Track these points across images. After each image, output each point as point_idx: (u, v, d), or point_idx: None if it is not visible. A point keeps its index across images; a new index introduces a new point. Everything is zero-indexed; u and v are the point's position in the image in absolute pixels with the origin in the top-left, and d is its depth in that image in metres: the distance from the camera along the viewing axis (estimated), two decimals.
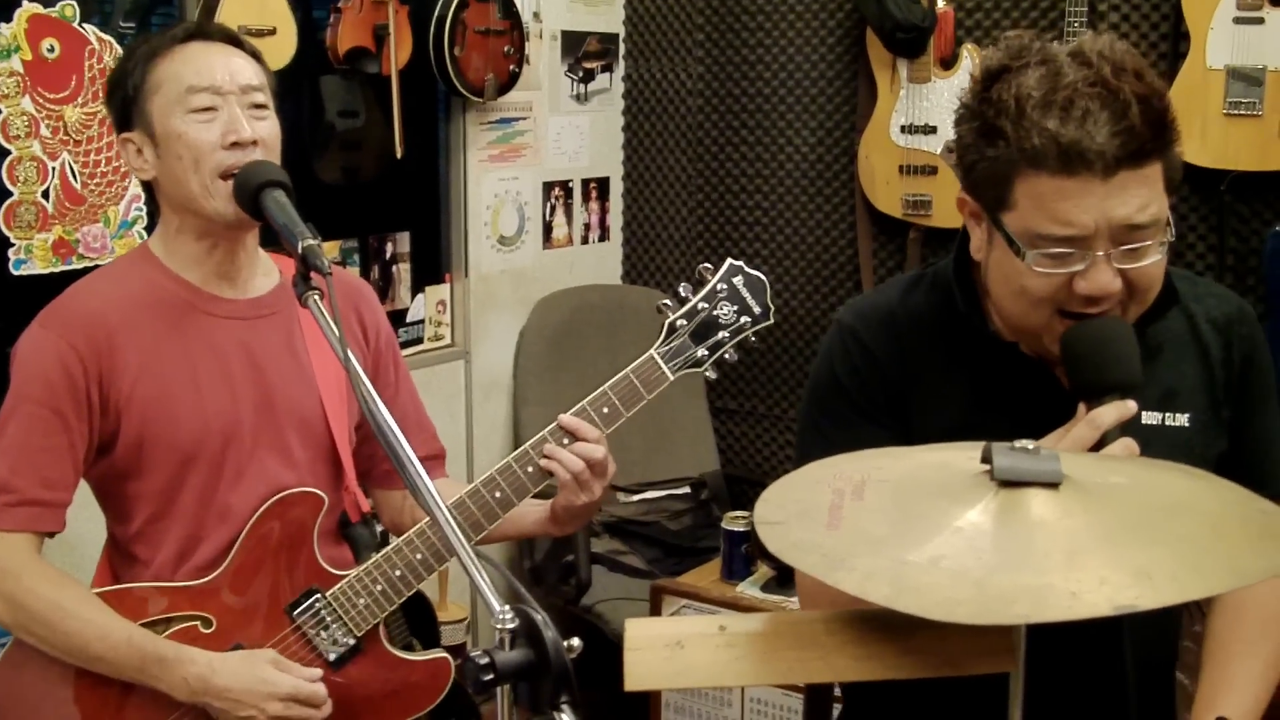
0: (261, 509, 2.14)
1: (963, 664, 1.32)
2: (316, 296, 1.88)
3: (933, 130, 4.08)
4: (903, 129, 4.12)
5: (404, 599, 2.17)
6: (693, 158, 4.63)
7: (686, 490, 4.47)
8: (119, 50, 3.23)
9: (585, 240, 4.66)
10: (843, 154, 4.34)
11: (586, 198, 4.63)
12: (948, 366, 1.88)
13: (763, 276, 2.26)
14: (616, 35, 4.66)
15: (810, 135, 4.40)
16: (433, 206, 4.24)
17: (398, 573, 2.14)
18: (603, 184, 4.69)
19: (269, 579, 2.15)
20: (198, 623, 2.10)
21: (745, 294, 2.24)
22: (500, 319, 4.37)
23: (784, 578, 3.13)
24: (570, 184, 4.55)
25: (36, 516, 2.06)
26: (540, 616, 1.44)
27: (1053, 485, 1.31)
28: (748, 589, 3.15)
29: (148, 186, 2.19)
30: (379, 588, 2.15)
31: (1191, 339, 1.91)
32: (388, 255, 4.06)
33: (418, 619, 2.37)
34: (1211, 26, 3.62)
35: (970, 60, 4.01)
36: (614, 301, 4.64)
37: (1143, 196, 1.64)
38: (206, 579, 2.12)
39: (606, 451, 2.16)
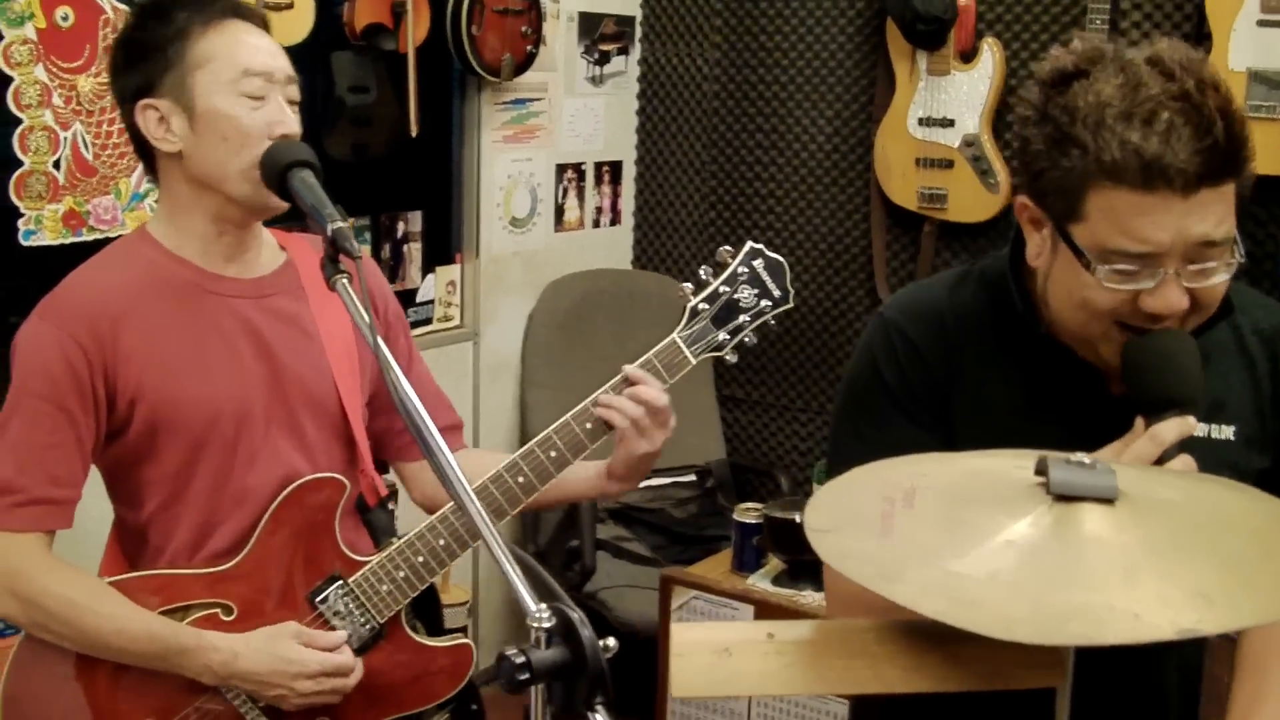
0: (284, 494, 2.10)
1: (1012, 677, 1.31)
2: (345, 280, 1.85)
3: (950, 124, 4.05)
4: (920, 121, 4.09)
5: (427, 585, 2.15)
6: (707, 143, 4.60)
7: (692, 478, 4.45)
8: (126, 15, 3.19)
9: (596, 224, 4.63)
10: (858, 144, 4.32)
11: (599, 181, 4.60)
12: (996, 367, 1.83)
13: (782, 260, 2.24)
14: (633, 18, 4.62)
15: (826, 125, 4.38)
16: (445, 186, 4.21)
17: (420, 559, 2.12)
18: (615, 167, 4.66)
19: (291, 565, 2.12)
20: (219, 610, 2.07)
21: (765, 277, 2.22)
22: (510, 301, 4.35)
23: (796, 571, 3.12)
24: (583, 167, 4.52)
25: (45, 515, 2.02)
26: (577, 615, 1.43)
27: (1108, 501, 1.29)
28: (759, 581, 3.14)
29: (147, 157, 2.11)
30: (401, 574, 2.12)
31: (1238, 350, 1.86)
32: (399, 234, 4.04)
33: (421, 601, 2.35)
34: (1234, 28, 3.60)
35: (991, 54, 3.99)
36: (624, 286, 4.62)
37: (1218, 214, 1.59)
38: (227, 565, 2.09)
39: (667, 399, 2.14)
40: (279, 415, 2.12)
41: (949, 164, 4.07)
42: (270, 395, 2.11)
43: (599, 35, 4.48)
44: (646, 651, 3.75)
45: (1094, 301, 1.65)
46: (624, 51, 4.60)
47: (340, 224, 1.87)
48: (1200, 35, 3.72)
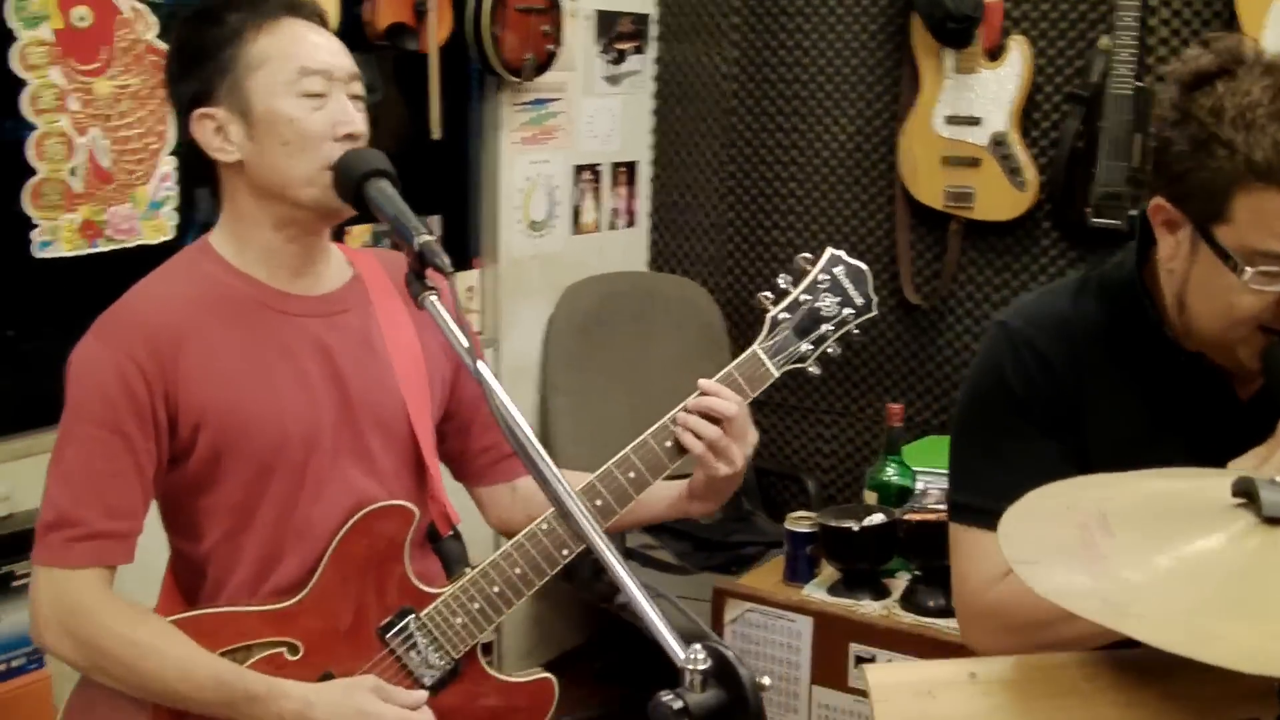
0: (349, 524, 1.99)
1: (1222, 709, 1.25)
2: (434, 297, 1.77)
3: (977, 122, 4.01)
4: (947, 120, 4.04)
5: (503, 617, 2.04)
6: (725, 143, 4.54)
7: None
8: (153, 21, 3.09)
9: (613, 226, 4.56)
10: (881, 143, 4.27)
11: (615, 182, 4.53)
12: (1124, 377, 1.81)
13: (864, 266, 2.17)
14: (648, 16, 4.55)
15: (849, 124, 4.32)
16: (462, 190, 4.12)
17: (496, 589, 2.01)
18: (631, 168, 4.59)
19: (358, 599, 2.00)
20: (284, 649, 1.96)
21: (847, 284, 2.15)
22: (529, 306, 4.27)
23: (851, 580, 3.06)
24: (599, 168, 4.45)
25: (105, 550, 1.90)
26: (730, 653, 1.36)
27: None
28: (814, 592, 3.07)
29: (209, 169, 2.01)
30: (476, 606, 2.01)
31: None
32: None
33: None
34: (1266, 24, 3.57)
35: (1019, 51, 3.94)
36: (643, 289, 4.55)
37: None
38: (291, 601, 1.97)
39: (744, 411, 2.05)
40: (348, 440, 2.02)
41: (976, 162, 4.02)
42: (339, 419, 2.01)
43: (616, 34, 4.41)
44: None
45: (1238, 304, 1.63)
46: (640, 50, 4.53)
47: (428, 237, 1.78)
48: (1232, 29, 3.68)
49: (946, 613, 2.93)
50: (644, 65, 4.58)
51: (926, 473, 3.27)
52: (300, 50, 1.94)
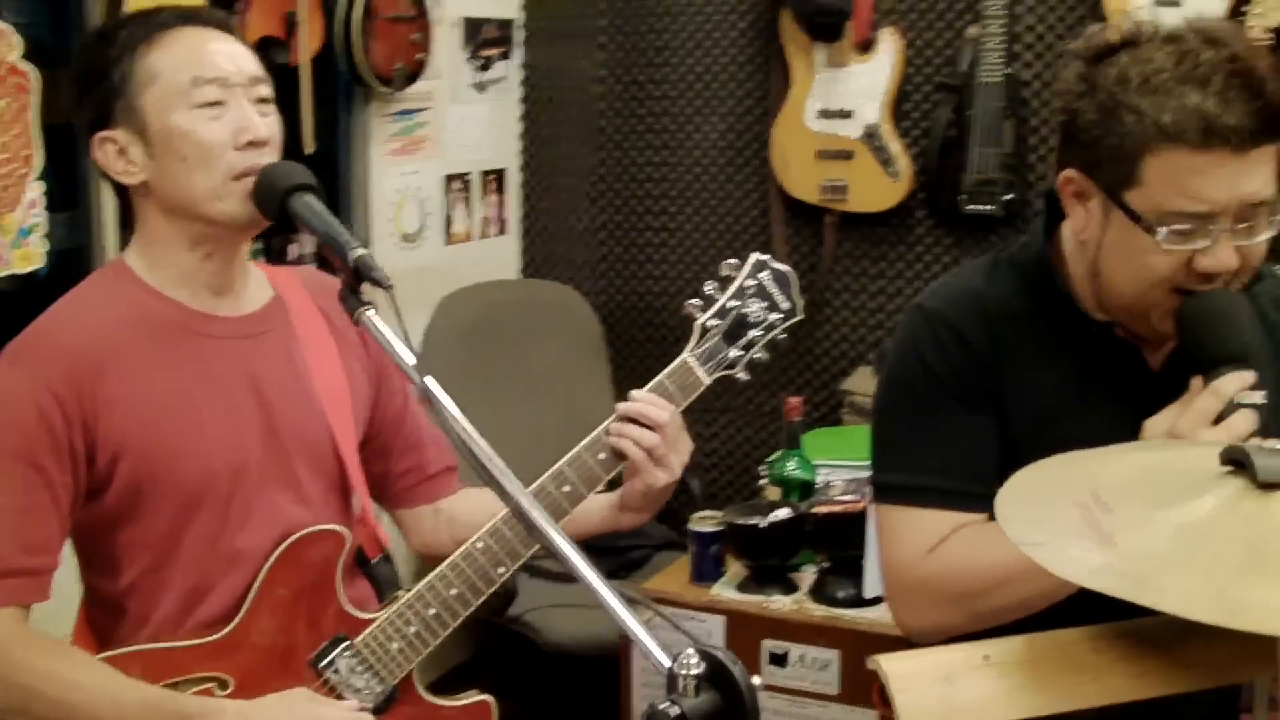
0: (278, 552, 1.92)
1: (1230, 672, 1.27)
2: (371, 312, 1.73)
3: (849, 115, 4.04)
4: (819, 114, 4.06)
5: (440, 640, 1.98)
6: (595, 146, 4.51)
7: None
8: (16, 41, 2.96)
9: (485, 235, 4.50)
10: (754, 140, 4.27)
11: (485, 190, 4.48)
12: (1039, 351, 1.86)
13: (788, 270, 2.17)
14: (513, 21, 4.51)
15: (720, 122, 4.32)
16: (334, 203, 4.02)
17: (432, 611, 1.95)
18: (500, 176, 4.54)
19: (290, 629, 1.93)
20: (213, 684, 1.87)
21: (773, 289, 2.15)
22: (405, 319, 4.18)
23: (761, 576, 3.06)
24: (469, 177, 4.39)
25: (21, 588, 1.81)
26: (722, 655, 1.35)
27: None
28: (723, 590, 3.06)
29: (122, 191, 1.93)
30: (412, 629, 1.95)
31: (1259, 319, 1.89)
32: (293, 256, 3.85)
33: None
34: (1129, 11, 3.65)
35: (890, 44, 3.98)
36: (518, 298, 4.51)
37: (1266, 174, 1.66)
38: (220, 634, 1.89)
39: (677, 419, 2.02)
40: (274, 467, 1.94)
41: (849, 155, 4.05)
42: (265, 446, 1.94)
43: (481, 40, 4.35)
44: (588, 673, 3.65)
45: (1151, 265, 1.69)
46: (506, 56, 4.48)
47: (363, 251, 1.74)
48: (1096, 18, 3.77)
49: (858, 603, 2.95)
50: (510, 71, 4.52)
51: (822, 465, 3.27)
52: (192, 60, 1.87)
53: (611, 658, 3.50)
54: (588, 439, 2.02)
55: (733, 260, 2.15)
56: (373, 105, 3.94)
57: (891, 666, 1.21)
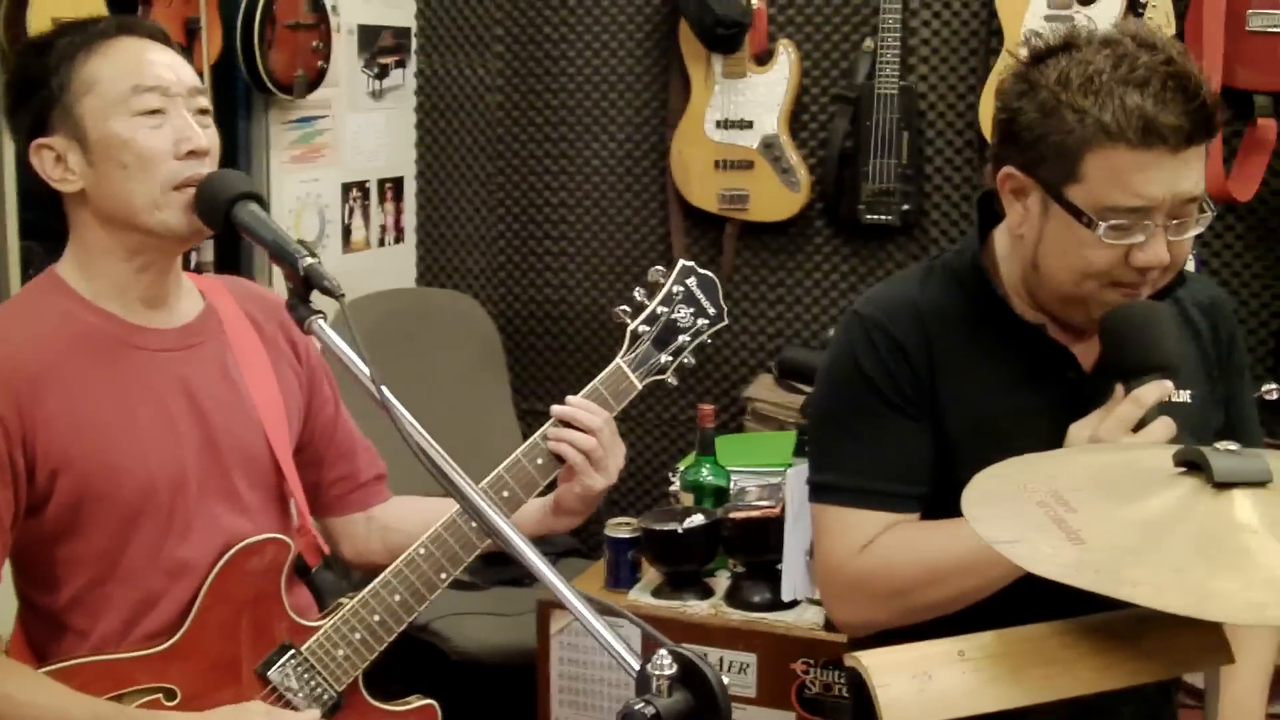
0: (223, 561, 1.92)
1: (1190, 661, 1.33)
2: (321, 321, 1.74)
3: (748, 125, 4.09)
4: (718, 124, 4.12)
5: (385, 646, 2.00)
6: (491, 155, 4.51)
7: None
8: None
9: (383, 243, 4.49)
10: (652, 149, 4.31)
11: (383, 198, 4.46)
12: (975, 354, 1.91)
13: (713, 276, 2.23)
14: (409, 29, 4.49)
15: (618, 131, 4.35)
16: None
17: (376, 618, 1.97)
18: (397, 184, 4.52)
19: (236, 637, 1.93)
20: (159, 695, 1.86)
21: (699, 295, 2.20)
22: None
23: (677, 581, 3.08)
24: (367, 185, 4.37)
25: None
26: (694, 656, 1.38)
27: (1262, 484, 1.32)
28: (640, 596, 3.08)
29: (54, 200, 1.91)
30: (358, 636, 1.97)
31: (1184, 321, 1.99)
32: (192, 265, 3.80)
33: None
34: (1024, 23, 3.75)
35: (787, 55, 4.04)
36: (417, 306, 4.49)
37: (1199, 171, 1.74)
38: (165, 645, 1.88)
39: (611, 424, 2.06)
40: (213, 478, 1.95)
41: (749, 165, 4.11)
42: (204, 458, 1.93)
43: (378, 48, 4.34)
44: (499, 681, 3.65)
45: (1090, 258, 1.76)
46: (402, 64, 4.47)
47: (312, 259, 1.75)
48: (990, 32, 3.87)
49: (774, 606, 2.99)
50: (406, 79, 4.51)
51: (733, 471, 3.31)
52: (132, 68, 1.86)
53: (521, 666, 3.51)
54: (525, 445, 2.05)
55: (659, 267, 2.19)
56: (272, 113, 3.91)
57: (871, 660, 1.25)
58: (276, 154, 3.96)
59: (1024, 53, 1.81)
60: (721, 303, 2.21)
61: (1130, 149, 1.69)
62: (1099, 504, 1.32)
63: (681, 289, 2.18)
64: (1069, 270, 1.79)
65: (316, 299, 1.77)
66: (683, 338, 2.17)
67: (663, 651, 1.38)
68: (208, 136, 1.89)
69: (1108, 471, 1.41)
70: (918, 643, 1.31)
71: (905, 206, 3.94)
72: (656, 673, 1.38)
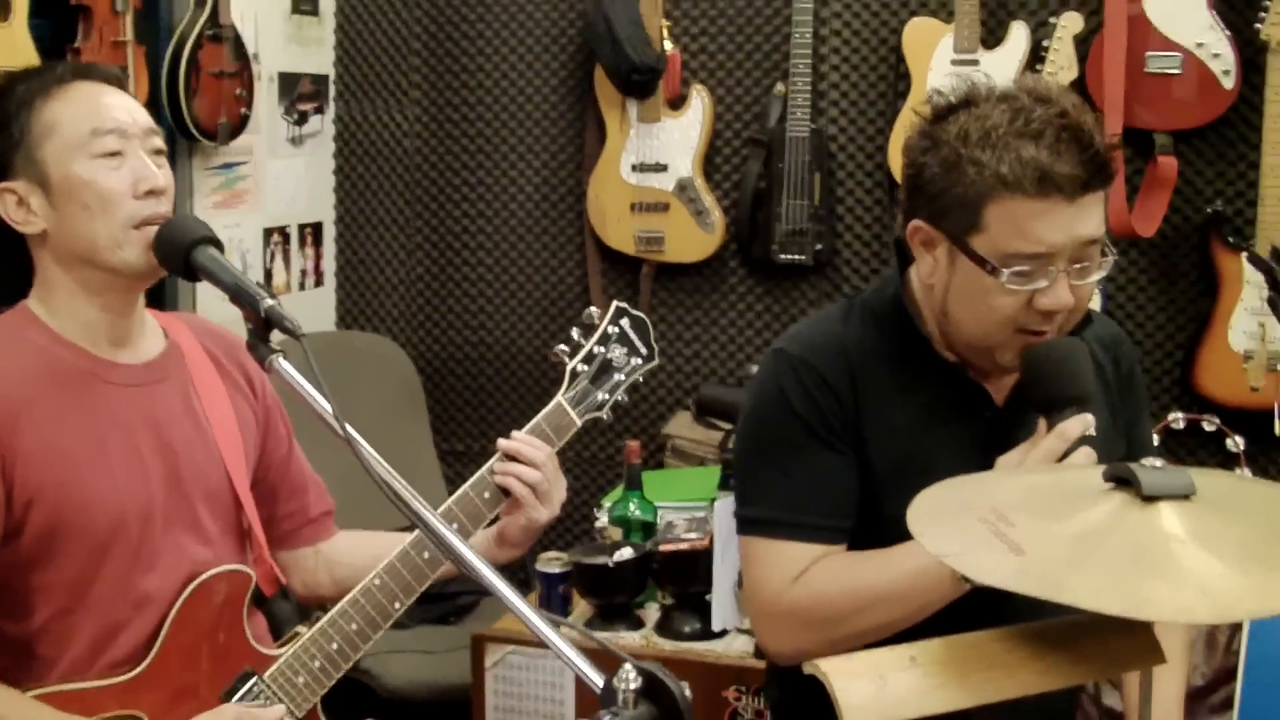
0: (188, 592, 1.98)
1: (1123, 663, 1.43)
2: (281, 358, 1.80)
3: (664, 168, 4.19)
4: (633, 167, 4.21)
5: (343, 673, 2.07)
6: (410, 199, 4.57)
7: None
8: None
9: (303, 286, 4.52)
10: (569, 193, 4.40)
11: (303, 243, 4.50)
12: (896, 389, 1.99)
13: (644, 317, 2.33)
14: (327, 77, 4.55)
15: (535, 175, 4.43)
16: None
17: (334, 645, 2.04)
18: (317, 229, 4.56)
19: (201, 666, 2.00)
20: None
21: (632, 335, 2.29)
22: None
23: (607, 614, 3.15)
24: (288, 229, 4.41)
25: None
26: (656, 669, 1.45)
27: (1185, 498, 1.42)
28: (572, 629, 3.14)
29: (20, 241, 1.98)
30: (317, 664, 2.04)
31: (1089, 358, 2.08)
32: None
33: None
34: (930, 67, 3.89)
35: (700, 100, 4.15)
36: (336, 348, 4.51)
37: (1097, 217, 1.84)
38: (133, 673, 1.94)
39: (554, 459, 2.15)
40: (179, 510, 2.01)
41: (665, 207, 4.20)
42: (169, 490, 2.00)
43: (297, 95, 4.38)
44: (430, 717, 3.69)
45: (996, 305, 1.85)
46: (320, 111, 4.52)
47: (272, 301, 1.81)
48: (898, 76, 4.01)
49: (704, 636, 3.07)
50: (325, 125, 4.57)
51: (659, 506, 3.39)
52: (90, 111, 1.94)
53: (449, 702, 3.56)
54: (472, 479, 2.13)
55: (593, 309, 2.27)
56: (196, 159, 3.94)
57: (829, 666, 1.33)
58: (200, 199, 3.99)
59: (928, 110, 1.92)
60: (653, 343, 2.31)
61: (1028, 198, 1.79)
62: (1036, 519, 1.41)
63: (616, 329, 2.27)
64: (977, 318, 1.88)
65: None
66: (618, 376, 2.26)
67: (627, 665, 1.45)
68: (164, 176, 1.96)
69: (1040, 490, 1.50)
70: (871, 650, 1.39)
71: (818, 246, 4.06)
72: (622, 686, 1.44)
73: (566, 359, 2.24)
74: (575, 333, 2.26)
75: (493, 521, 2.18)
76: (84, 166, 1.90)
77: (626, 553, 3.10)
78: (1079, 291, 1.86)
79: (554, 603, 3.21)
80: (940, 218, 1.88)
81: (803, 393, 1.98)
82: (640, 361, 2.29)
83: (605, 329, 2.27)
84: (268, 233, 4.30)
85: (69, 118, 1.92)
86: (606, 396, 2.25)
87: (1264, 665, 2.72)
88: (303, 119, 4.44)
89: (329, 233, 4.64)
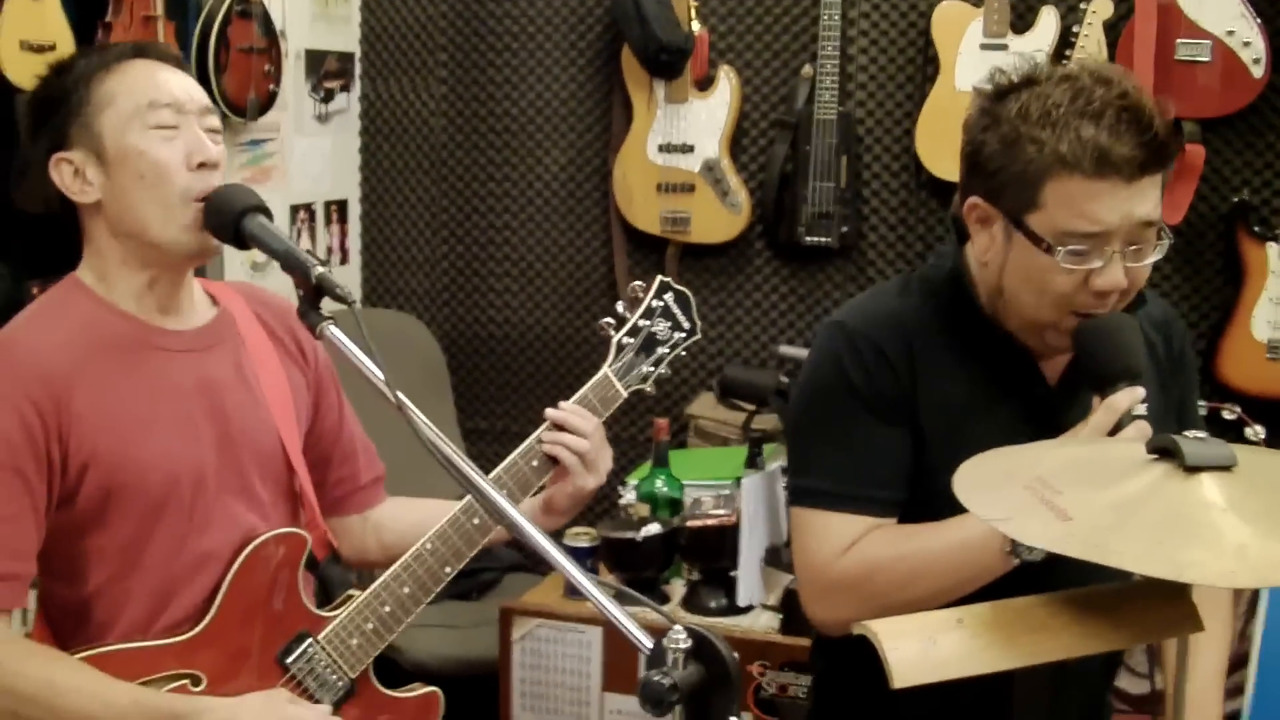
0: (245, 553, 2.01)
1: (1163, 629, 1.44)
2: (332, 325, 1.82)
3: (690, 149, 4.20)
4: (660, 148, 4.23)
5: (395, 635, 2.09)
6: (436, 178, 4.59)
7: None
8: None
9: (327, 264, 4.54)
10: (594, 173, 4.41)
11: (329, 220, 4.52)
12: (951, 359, 2.01)
13: (688, 292, 2.35)
14: (353, 55, 4.57)
15: (561, 155, 4.45)
16: None
17: (387, 609, 2.07)
18: (342, 206, 4.59)
19: (257, 627, 2.02)
20: (186, 681, 1.95)
21: (676, 310, 2.32)
22: None
23: (634, 587, 3.17)
24: (313, 206, 4.43)
25: (7, 593, 1.88)
26: (706, 632, 1.47)
27: (1227, 469, 1.44)
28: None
29: (71, 213, 2.01)
30: (370, 626, 2.06)
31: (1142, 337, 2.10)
32: None
33: None
34: (960, 51, 3.91)
35: (728, 81, 4.17)
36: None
37: (1154, 199, 1.85)
38: (191, 633, 1.97)
39: (601, 429, 2.18)
40: (230, 475, 2.04)
41: (691, 188, 4.22)
42: (221, 455, 2.03)
43: (324, 73, 4.40)
44: (455, 691, 3.70)
45: (1051, 284, 1.86)
46: (346, 89, 4.54)
47: (323, 269, 1.83)
48: (926, 59, 4.02)
49: (730, 611, 3.10)
50: (351, 103, 4.59)
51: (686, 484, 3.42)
52: (148, 85, 1.96)
53: (472, 676, 3.58)
54: (521, 447, 2.16)
55: (639, 283, 2.30)
56: (224, 135, 3.95)
57: (879, 626, 1.35)
58: (228, 176, 4.00)
59: (989, 87, 1.92)
60: (695, 318, 2.33)
61: (1085, 178, 1.80)
62: (1081, 487, 1.43)
63: (660, 303, 2.30)
64: (1032, 296, 1.89)
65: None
66: (661, 349, 2.28)
67: (678, 626, 1.46)
68: (222, 153, 2.00)
69: (1084, 461, 1.52)
70: (918, 613, 1.41)
71: (844, 229, 4.07)
72: (672, 647, 1.46)
73: (612, 332, 2.26)
74: (620, 306, 2.29)
75: (538, 490, 2.20)
76: (140, 137, 1.93)
77: (654, 528, 3.12)
78: (1134, 273, 1.87)
79: None
80: (998, 195, 1.89)
81: (859, 365, 2.00)
82: (684, 335, 2.31)
83: (650, 303, 2.29)
84: (294, 210, 4.33)
85: (126, 90, 1.95)
86: (651, 369, 2.28)
87: (1278, 651, 2.75)
88: (329, 96, 4.46)
89: (354, 210, 4.66)
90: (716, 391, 4.17)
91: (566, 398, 2.22)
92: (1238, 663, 3.04)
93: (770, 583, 3.16)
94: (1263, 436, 3.56)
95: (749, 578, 3.07)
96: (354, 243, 4.68)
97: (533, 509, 2.22)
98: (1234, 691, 3.03)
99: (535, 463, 2.14)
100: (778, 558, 3.16)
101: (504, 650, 3.20)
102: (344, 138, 4.58)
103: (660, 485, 3.32)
